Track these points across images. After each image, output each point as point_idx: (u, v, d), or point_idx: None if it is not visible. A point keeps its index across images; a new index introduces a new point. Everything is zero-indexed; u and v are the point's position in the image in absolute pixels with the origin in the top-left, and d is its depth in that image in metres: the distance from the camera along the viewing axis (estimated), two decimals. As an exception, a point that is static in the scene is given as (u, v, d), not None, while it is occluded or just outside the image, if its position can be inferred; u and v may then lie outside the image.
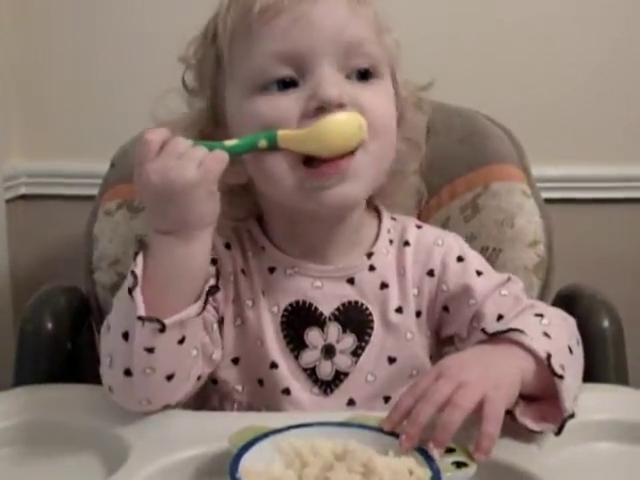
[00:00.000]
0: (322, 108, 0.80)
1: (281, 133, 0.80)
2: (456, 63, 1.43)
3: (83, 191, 1.44)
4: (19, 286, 1.53)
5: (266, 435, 0.69)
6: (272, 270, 0.91)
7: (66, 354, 1.06)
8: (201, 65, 0.90)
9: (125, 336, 0.75)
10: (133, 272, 0.75)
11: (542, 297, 1.07)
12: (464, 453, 0.68)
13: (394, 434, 0.70)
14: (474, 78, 1.44)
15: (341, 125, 0.80)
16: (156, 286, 0.75)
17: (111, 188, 1.17)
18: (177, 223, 0.76)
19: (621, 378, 1.02)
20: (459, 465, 0.66)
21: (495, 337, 0.79)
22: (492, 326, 0.84)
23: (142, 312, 0.73)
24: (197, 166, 0.74)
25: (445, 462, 0.66)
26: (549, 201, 1.18)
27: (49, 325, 1.05)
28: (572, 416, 0.74)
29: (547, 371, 0.75)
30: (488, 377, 0.72)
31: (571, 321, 0.88)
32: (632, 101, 1.51)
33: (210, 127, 0.90)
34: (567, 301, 1.06)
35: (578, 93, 1.50)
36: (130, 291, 0.75)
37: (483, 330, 0.82)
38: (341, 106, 0.80)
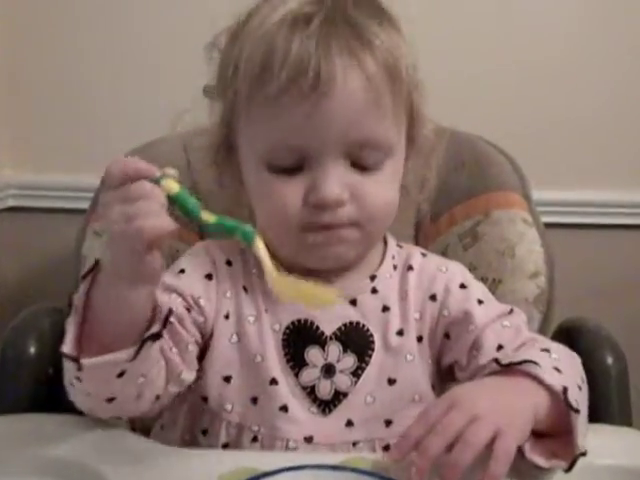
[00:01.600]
0: (320, 205, 0.82)
1: (258, 244, 0.72)
2: (458, 86, 1.41)
3: (72, 204, 1.43)
4: (4, 299, 1.51)
5: (257, 478, 0.66)
6: None
7: (48, 380, 1.02)
8: (222, 86, 0.89)
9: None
10: (71, 298, 0.73)
11: (542, 330, 1.05)
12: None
13: (390, 479, 0.67)
14: (476, 102, 1.42)
15: (310, 295, 0.74)
16: (95, 315, 0.73)
17: (101, 207, 1.14)
18: (110, 261, 0.72)
19: (625, 417, 1.00)
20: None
21: (508, 368, 0.78)
22: (505, 358, 0.82)
23: (65, 349, 0.73)
24: (127, 220, 0.68)
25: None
26: (550, 225, 1.16)
27: (32, 350, 1.01)
28: (584, 454, 0.73)
29: (560, 406, 0.74)
30: (501, 412, 0.70)
31: (576, 358, 0.86)
32: (634, 127, 1.49)
33: (224, 151, 0.91)
34: (569, 335, 1.03)
35: (582, 117, 1.48)
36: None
37: (496, 361, 0.81)
38: (339, 205, 0.82)
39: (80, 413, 0.84)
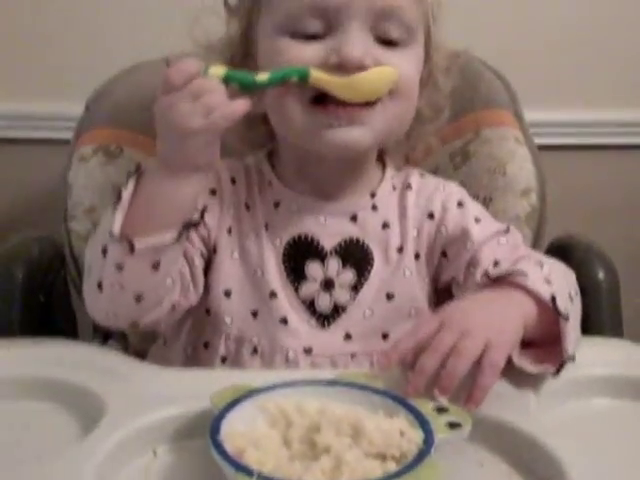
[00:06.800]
0: (342, 65, 0.80)
1: (314, 74, 0.80)
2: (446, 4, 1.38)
3: (57, 135, 1.39)
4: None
5: (249, 394, 0.66)
6: (277, 205, 0.92)
7: (39, 307, 1.02)
8: None
9: (104, 252, 0.77)
10: (120, 193, 0.77)
11: (534, 248, 1.04)
12: (458, 413, 0.65)
13: (384, 393, 0.67)
14: (464, 17, 1.37)
15: (374, 79, 0.81)
16: (139, 211, 0.77)
17: (86, 132, 1.12)
18: (170, 157, 0.77)
19: (616, 330, 1.01)
20: (452, 426, 0.64)
21: (497, 281, 0.79)
22: (494, 270, 0.83)
23: (116, 230, 0.76)
24: (205, 114, 0.74)
25: (438, 423, 0.63)
26: (540, 148, 1.14)
27: (20, 276, 1.01)
28: (572, 359, 0.74)
29: (549, 315, 0.74)
30: (491, 325, 0.72)
31: (571, 273, 0.87)
32: (627, 44, 1.46)
33: (240, 55, 0.91)
34: (561, 252, 1.03)
35: (572, 35, 1.45)
36: (113, 207, 0.77)
37: (486, 274, 0.81)
38: (362, 68, 0.80)
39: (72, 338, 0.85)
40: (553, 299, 0.75)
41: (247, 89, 0.78)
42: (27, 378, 0.77)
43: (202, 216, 0.83)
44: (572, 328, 0.75)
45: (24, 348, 0.83)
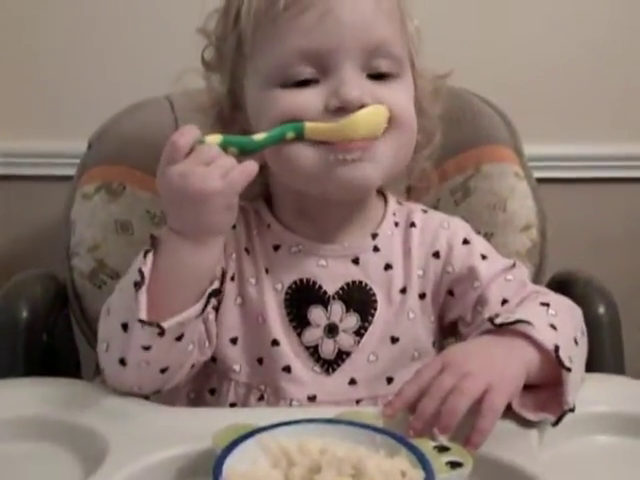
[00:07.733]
0: (343, 107, 0.80)
1: (309, 126, 0.81)
2: (443, 39, 1.38)
3: (60, 171, 1.40)
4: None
5: (251, 434, 0.66)
6: (277, 248, 0.91)
7: (42, 346, 1.02)
8: (221, 44, 0.90)
9: (124, 327, 0.76)
10: (141, 270, 0.75)
11: (535, 283, 1.03)
12: (459, 452, 0.65)
13: (385, 432, 0.67)
14: (462, 54, 1.39)
15: (368, 119, 0.81)
16: (161, 285, 0.75)
17: (89, 170, 1.13)
18: (189, 227, 0.76)
19: (618, 365, 1.01)
20: (453, 465, 0.64)
21: (501, 328, 0.78)
22: (498, 315, 0.81)
23: (143, 316, 0.74)
24: (222, 176, 0.74)
25: (439, 462, 0.63)
26: (539, 181, 1.15)
27: (24, 315, 1.01)
28: (572, 410, 0.73)
29: (552, 363, 0.74)
30: (494, 369, 0.71)
31: (577, 311, 0.87)
32: (627, 78, 1.47)
33: (229, 110, 0.91)
34: (562, 287, 1.03)
35: (569, 71, 1.45)
36: (135, 286, 0.74)
37: (490, 320, 0.80)
38: (362, 107, 0.81)
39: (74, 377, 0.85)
40: (556, 349, 0.74)
41: (246, 151, 0.79)
42: (30, 418, 0.77)
43: (222, 282, 0.82)
44: (576, 374, 0.74)
45: (27, 387, 0.83)
